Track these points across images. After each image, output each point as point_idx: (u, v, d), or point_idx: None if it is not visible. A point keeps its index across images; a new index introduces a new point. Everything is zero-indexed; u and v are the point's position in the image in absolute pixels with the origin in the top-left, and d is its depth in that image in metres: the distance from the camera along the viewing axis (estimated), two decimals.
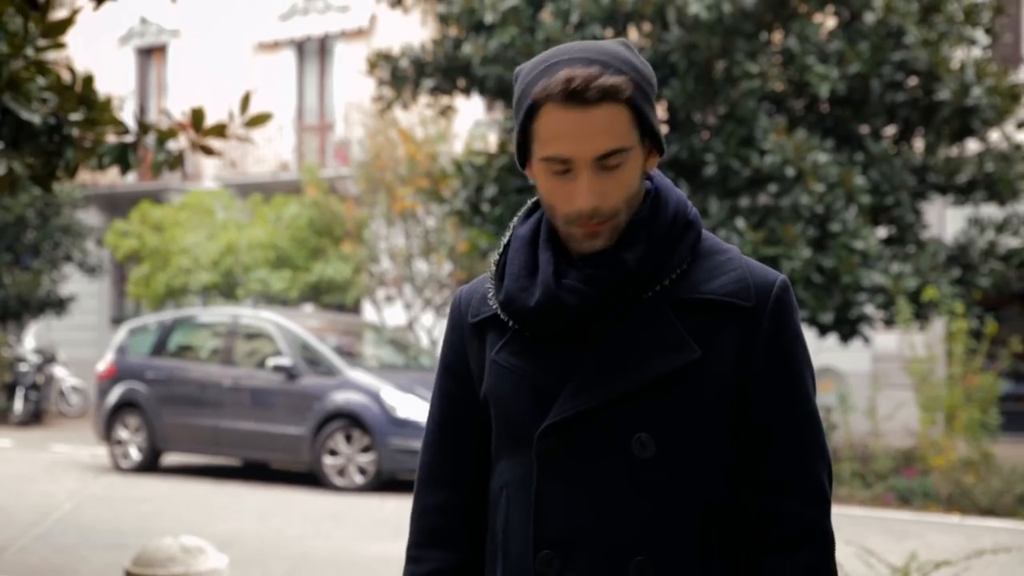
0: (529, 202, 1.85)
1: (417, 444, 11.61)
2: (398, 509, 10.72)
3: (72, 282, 23.04)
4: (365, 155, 18.52)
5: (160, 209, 20.24)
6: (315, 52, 24.04)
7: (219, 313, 14.20)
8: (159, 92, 25.47)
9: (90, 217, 23.60)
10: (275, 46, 24.10)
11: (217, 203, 20.25)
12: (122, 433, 13.49)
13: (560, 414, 1.69)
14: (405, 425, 11.74)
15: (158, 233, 19.77)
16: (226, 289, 19.12)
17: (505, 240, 1.82)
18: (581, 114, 1.62)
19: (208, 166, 23.93)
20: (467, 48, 12.72)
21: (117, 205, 24.28)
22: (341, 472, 11.96)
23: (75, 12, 5.15)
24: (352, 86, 22.36)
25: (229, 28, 24.48)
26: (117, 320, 24.11)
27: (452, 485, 1.86)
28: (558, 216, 1.70)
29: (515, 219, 1.84)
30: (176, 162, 5.56)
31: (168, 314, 14.63)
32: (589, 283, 1.69)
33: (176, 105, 22.64)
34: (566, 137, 1.63)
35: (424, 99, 14.48)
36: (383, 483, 11.88)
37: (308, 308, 17.64)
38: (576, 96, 1.62)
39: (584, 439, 1.69)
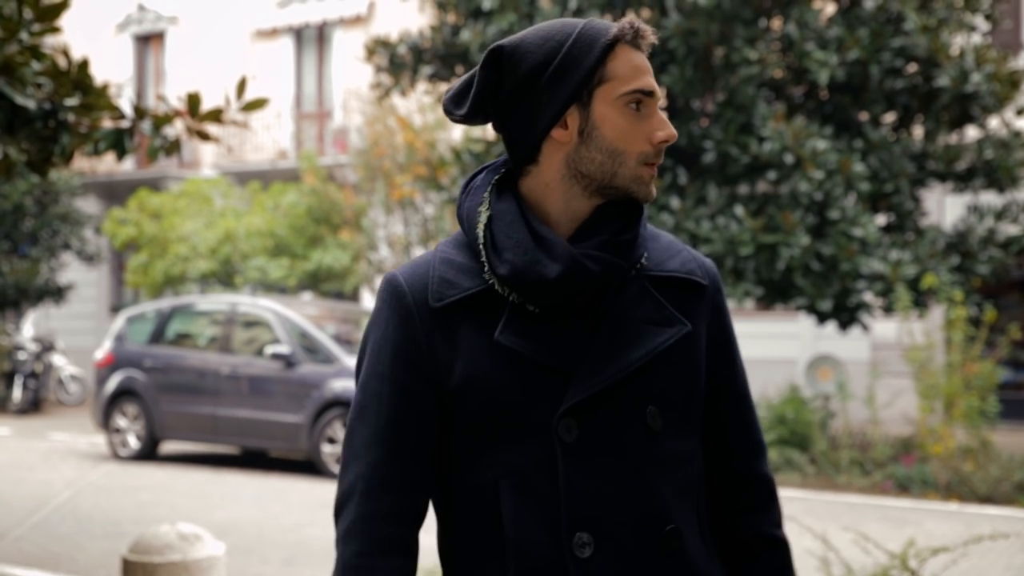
0: (484, 180, 1.82)
1: None
2: None
3: (70, 270, 23.02)
4: (363, 143, 18.49)
5: (158, 197, 20.20)
6: (313, 39, 23.98)
7: (217, 301, 14.18)
8: (157, 79, 25.41)
9: (88, 205, 23.57)
10: (273, 33, 24.04)
11: (215, 191, 20.22)
12: (120, 421, 13.49)
13: (581, 393, 1.69)
14: None
15: (156, 221, 19.74)
16: (224, 277, 19.10)
17: (483, 217, 1.77)
18: (642, 56, 1.76)
19: (206, 154, 23.88)
20: (465, 34, 12.68)
21: (115, 193, 24.24)
22: (339, 460, 11.94)
23: None
24: (350, 73, 22.31)
25: (227, 15, 24.42)
26: (115, 308, 24.10)
27: (410, 487, 1.75)
28: (632, 157, 1.74)
29: (473, 197, 1.80)
30: (172, 148, 5.54)
31: (166, 302, 14.61)
32: (609, 250, 1.73)
33: (174, 93, 22.59)
34: (645, 73, 1.75)
35: (422, 86, 14.45)
36: None
37: (306, 296, 17.61)
38: (642, 38, 1.76)
39: (605, 416, 1.72)
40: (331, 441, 12.00)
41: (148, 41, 25.75)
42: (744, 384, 1.89)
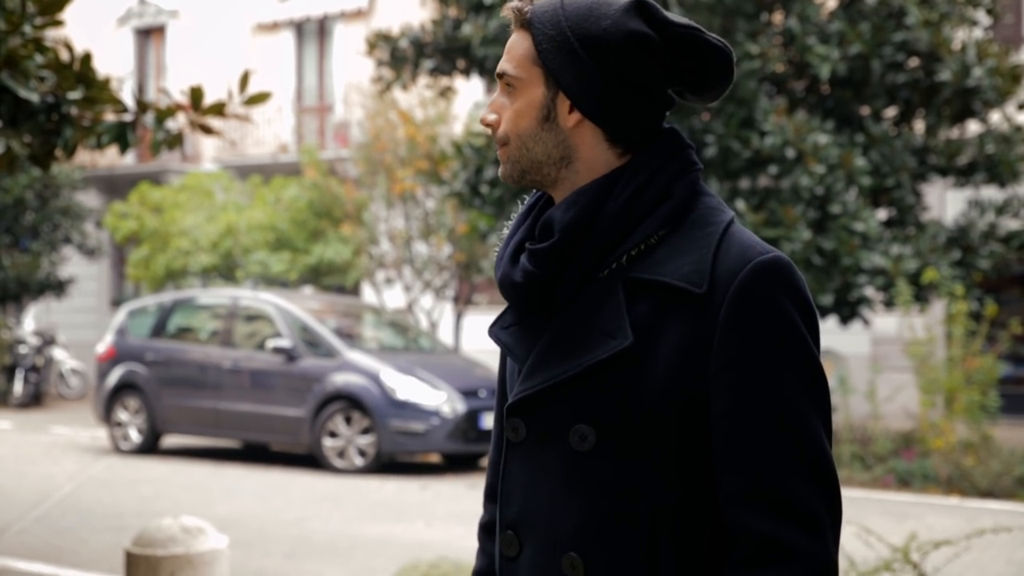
0: None
1: (416, 426, 11.66)
2: (397, 491, 10.73)
3: (71, 264, 23.02)
4: (364, 136, 18.48)
5: (159, 191, 20.21)
6: (314, 33, 23.97)
7: (219, 295, 14.19)
8: (158, 73, 25.41)
9: (89, 199, 23.57)
10: (274, 27, 24.02)
11: (216, 185, 20.22)
12: (122, 415, 13.49)
13: (515, 395, 1.64)
14: (404, 407, 11.74)
15: (157, 215, 19.74)
16: (225, 271, 19.10)
17: None
18: (512, 37, 1.66)
19: (207, 147, 23.88)
20: (467, 28, 12.68)
21: (116, 187, 24.25)
22: (341, 454, 11.96)
23: None
24: (351, 67, 22.30)
25: (228, 9, 24.41)
26: (116, 302, 24.11)
27: (499, 444, 1.86)
28: None
29: None
30: (175, 141, 5.54)
31: (168, 296, 14.61)
32: (531, 259, 1.62)
33: (175, 86, 22.58)
34: (503, 56, 1.67)
35: (423, 80, 14.43)
36: (383, 465, 11.88)
37: (307, 290, 17.63)
38: (512, 17, 1.65)
39: (537, 423, 1.62)
40: (332, 435, 12.01)
41: (149, 35, 25.74)
42: (750, 420, 1.51)
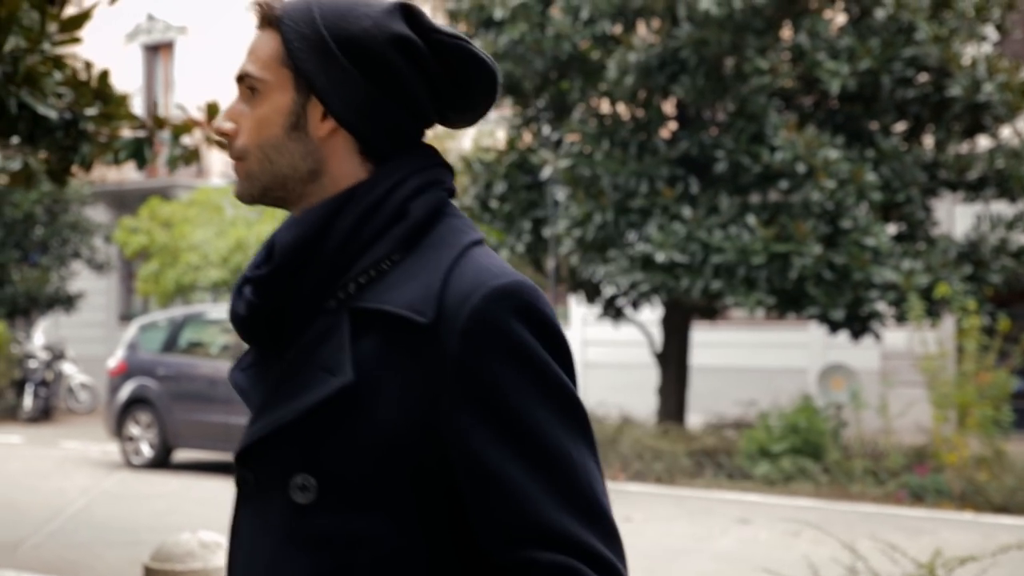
0: None
1: None
2: None
3: (81, 279, 23.07)
4: None
5: (169, 206, 20.25)
6: None
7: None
8: (166, 89, 25.49)
9: (98, 214, 23.63)
10: None
11: (226, 199, 20.25)
12: (133, 429, 13.50)
13: (241, 442, 1.45)
14: None
15: (167, 230, 19.78)
16: None
17: None
18: (256, 36, 1.48)
19: (216, 162, 23.93)
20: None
21: (125, 202, 24.30)
22: None
23: (91, 7, 5.15)
24: None
25: (236, 25, 24.48)
26: (126, 317, 24.15)
27: None
28: None
29: None
30: (191, 156, 5.57)
31: (178, 310, 14.63)
32: (252, 288, 1.45)
33: (183, 102, 22.65)
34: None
35: None
36: None
37: None
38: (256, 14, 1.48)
39: (261, 475, 1.44)
40: None
41: (157, 51, 25.83)
42: (497, 459, 1.33)
